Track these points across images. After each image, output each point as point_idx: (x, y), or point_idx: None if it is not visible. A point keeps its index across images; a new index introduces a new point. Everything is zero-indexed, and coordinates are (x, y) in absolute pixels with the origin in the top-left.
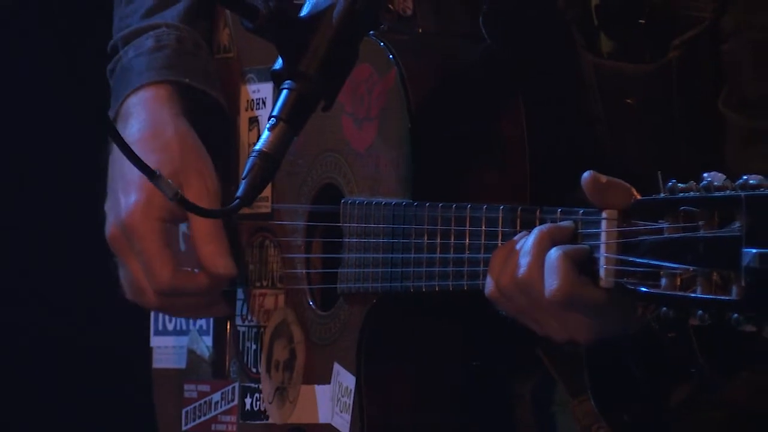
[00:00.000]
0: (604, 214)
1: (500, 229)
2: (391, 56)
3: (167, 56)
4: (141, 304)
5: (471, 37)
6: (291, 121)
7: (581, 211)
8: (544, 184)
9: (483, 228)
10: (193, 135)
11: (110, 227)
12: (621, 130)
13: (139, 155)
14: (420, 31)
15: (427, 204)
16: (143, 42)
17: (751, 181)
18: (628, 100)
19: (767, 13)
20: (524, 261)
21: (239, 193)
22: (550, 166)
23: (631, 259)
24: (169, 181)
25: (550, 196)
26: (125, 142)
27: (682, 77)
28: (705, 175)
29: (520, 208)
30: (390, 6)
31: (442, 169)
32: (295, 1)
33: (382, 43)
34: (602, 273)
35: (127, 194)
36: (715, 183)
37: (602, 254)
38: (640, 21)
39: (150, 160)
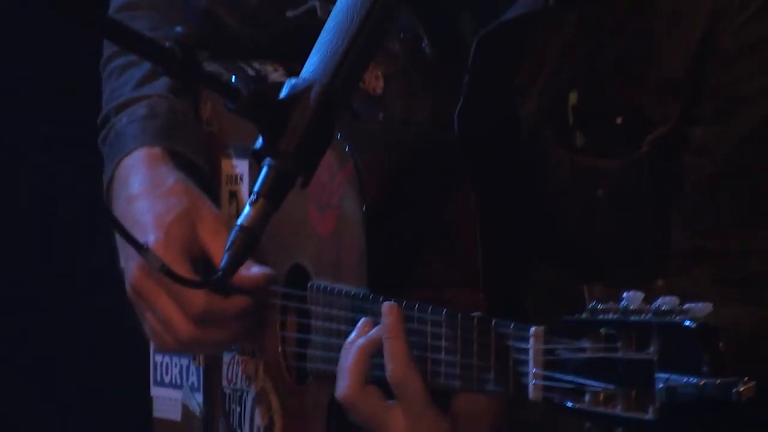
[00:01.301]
0: (532, 330)
1: (443, 330)
2: (347, 149)
3: (160, 124)
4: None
5: (434, 125)
6: (270, 197)
7: (512, 325)
8: (495, 274)
9: (428, 329)
10: (191, 182)
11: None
12: (588, 221)
13: (147, 204)
14: (382, 116)
15: (381, 297)
16: (136, 110)
17: (663, 307)
18: (599, 192)
19: (732, 142)
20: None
21: (222, 265)
22: (503, 255)
23: (557, 375)
24: (157, 254)
25: (502, 286)
26: (113, 215)
27: (651, 172)
28: (624, 295)
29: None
30: (360, 84)
31: (396, 258)
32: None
33: (339, 135)
34: (531, 388)
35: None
36: (632, 306)
37: (531, 369)
38: (617, 120)
39: (158, 207)
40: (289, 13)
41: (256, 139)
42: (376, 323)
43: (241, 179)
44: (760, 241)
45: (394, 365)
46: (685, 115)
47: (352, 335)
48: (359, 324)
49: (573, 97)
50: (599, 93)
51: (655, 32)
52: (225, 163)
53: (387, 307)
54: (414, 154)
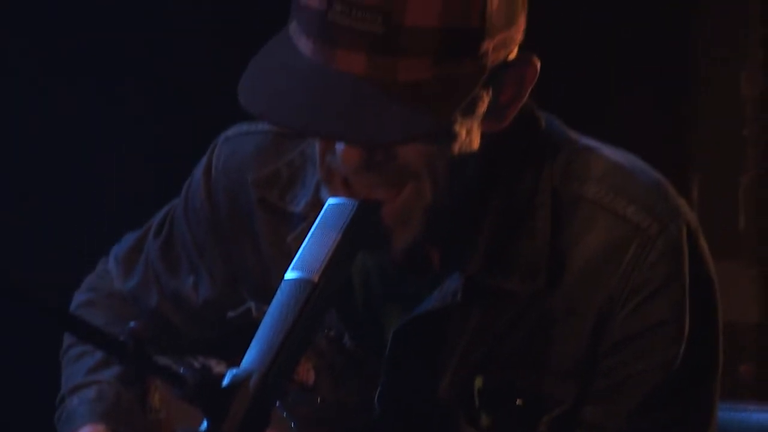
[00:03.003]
0: None
1: None
2: (292, 425)
3: (106, 406)
4: None
5: (363, 408)
6: None
7: None
8: None
9: None
10: None
11: None
12: None
13: None
14: (319, 400)
15: None
16: (87, 393)
17: None
18: None
19: (620, 418)
20: None
21: None
22: None
23: None
24: None
25: None
26: None
27: None
28: None
29: None
30: (294, 376)
31: None
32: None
33: (285, 413)
34: None
35: None
36: None
37: None
38: (518, 402)
39: None
40: (230, 314)
41: (201, 423)
42: None
43: None
44: None
45: None
46: (580, 395)
47: None
48: None
49: (479, 382)
50: (501, 378)
51: (552, 324)
52: None
53: None
54: (349, 430)
